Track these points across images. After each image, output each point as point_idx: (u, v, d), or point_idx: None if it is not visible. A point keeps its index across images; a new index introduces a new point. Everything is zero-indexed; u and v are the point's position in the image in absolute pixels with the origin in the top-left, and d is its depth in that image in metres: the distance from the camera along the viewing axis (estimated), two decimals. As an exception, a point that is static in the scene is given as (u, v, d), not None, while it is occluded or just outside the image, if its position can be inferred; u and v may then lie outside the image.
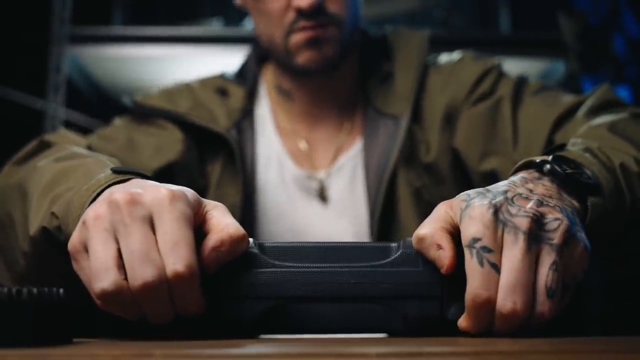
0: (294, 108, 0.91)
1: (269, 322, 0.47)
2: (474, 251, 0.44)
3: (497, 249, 0.44)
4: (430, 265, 0.46)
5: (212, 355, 0.33)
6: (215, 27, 1.68)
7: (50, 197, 0.55)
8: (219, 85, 0.91)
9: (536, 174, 0.51)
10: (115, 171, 0.52)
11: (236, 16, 1.82)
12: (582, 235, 0.47)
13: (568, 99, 0.77)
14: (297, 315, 0.48)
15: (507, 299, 0.43)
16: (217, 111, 0.87)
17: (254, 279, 0.46)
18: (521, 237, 0.44)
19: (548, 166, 0.51)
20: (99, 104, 1.84)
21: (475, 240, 0.44)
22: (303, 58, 0.82)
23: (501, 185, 0.49)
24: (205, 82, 0.93)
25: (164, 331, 0.47)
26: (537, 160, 0.52)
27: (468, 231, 0.45)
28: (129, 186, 0.47)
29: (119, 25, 1.81)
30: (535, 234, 0.45)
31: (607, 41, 1.62)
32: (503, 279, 0.43)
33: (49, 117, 1.56)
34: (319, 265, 0.46)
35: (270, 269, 0.46)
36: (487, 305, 0.43)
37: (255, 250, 0.47)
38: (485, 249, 0.44)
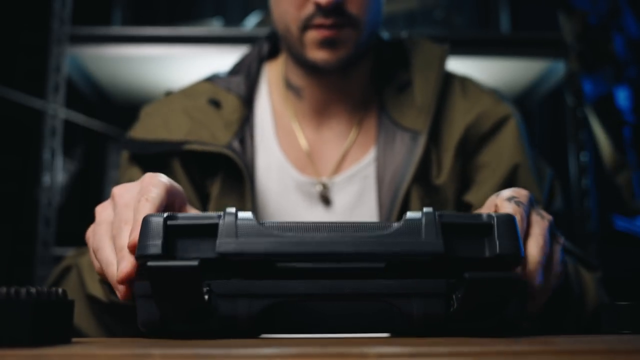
0: (301, 105, 0.89)
1: (269, 316, 0.47)
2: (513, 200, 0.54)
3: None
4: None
5: (211, 355, 0.33)
6: (215, 27, 1.68)
7: None
8: (210, 96, 0.88)
9: None
10: None
11: (236, 16, 1.82)
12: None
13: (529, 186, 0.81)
14: (297, 313, 0.48)
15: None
16: (214, 126, 0.84)
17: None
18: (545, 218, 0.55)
19: None
20: (99, 104, 1.84)
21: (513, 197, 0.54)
22: (316, 55, 0.81)
23: None
24: (193, 94, 0.89)
25: (164, 331, 0.47)
26: None
27: (505, 193, 0.55)
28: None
29: (118, 25, 1.81)
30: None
31: (607, 41, 1.62)
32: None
33: (49, 117, 1.56)
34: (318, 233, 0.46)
35: (270, 238, 0.45)
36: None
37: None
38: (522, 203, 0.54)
